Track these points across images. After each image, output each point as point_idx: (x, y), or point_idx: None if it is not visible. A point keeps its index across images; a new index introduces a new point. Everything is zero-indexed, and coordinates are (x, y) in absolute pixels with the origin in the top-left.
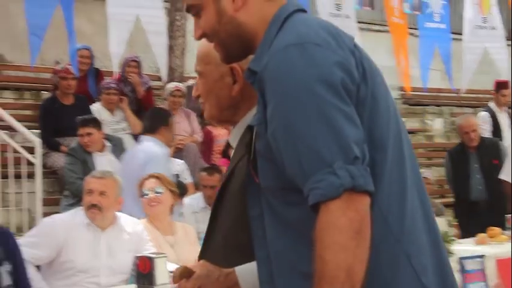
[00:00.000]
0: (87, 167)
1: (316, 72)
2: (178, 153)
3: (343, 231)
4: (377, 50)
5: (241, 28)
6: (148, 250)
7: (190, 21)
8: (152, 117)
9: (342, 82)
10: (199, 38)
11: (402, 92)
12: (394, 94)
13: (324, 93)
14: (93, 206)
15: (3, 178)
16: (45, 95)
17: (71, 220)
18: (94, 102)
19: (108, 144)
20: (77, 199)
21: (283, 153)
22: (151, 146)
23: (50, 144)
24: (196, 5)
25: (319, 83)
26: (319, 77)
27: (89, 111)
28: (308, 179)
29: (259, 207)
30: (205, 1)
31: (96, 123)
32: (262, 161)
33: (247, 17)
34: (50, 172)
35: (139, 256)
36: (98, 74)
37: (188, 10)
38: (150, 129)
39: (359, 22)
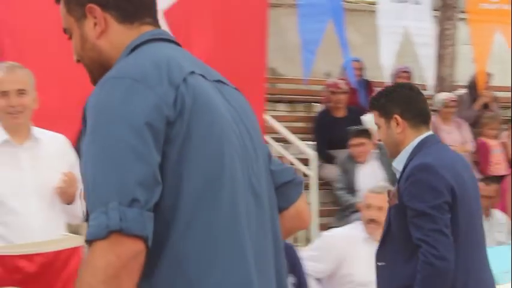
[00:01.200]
0: (350, 177)
1: (120, 109)
2: None
3: (97, 274)
4: None
5: (102, 55)
6: None
7: (459, 29)
8: None
9: (146, 121)
10: (76, 61)
11: None
12: None
13: (121, 132)
14: (371, 221)
15: None
16: (317, 107)
17: (350, 234)
18: (365, 113)
19: (375, 151)
20: (349, 211)
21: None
22: None
23: (324, 157)
24: (68, 29)
25: (120, 121)
26: (122, 114)
27: (360, 123)
28: (90, 215)
29: None
30: (72, 25)
31: (368, 134)
32: None
33: (107, 45)
34: (323, 183)
35: None
36: (368, 85)
37: (65, 32)
38: None
39: None
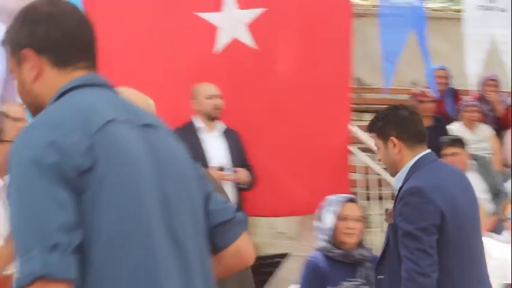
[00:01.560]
0: None
1: (31, 156)
2: None
3: None
4: None
5: (37, 99)
6: None
7: None
8: None
9: (56, 166)
10: (23, 104)
11: None
12: None
13: (34, 177)
14: None
15: (366, 200)
16: None
17: None
18: (452, 122)
19: (473, 162)
20: None
21: None
22: None
23: None
24: (12, 71)
25: (32, 166)
26: (33, 160)
27: (446, 132)
28: (18, 263)
29: None
30: (14, 69)
31: (462, 143)
32: None
33: (42, 89)
34: None
35: (508, 283)
36: (455, 94)
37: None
38: None
39: None
